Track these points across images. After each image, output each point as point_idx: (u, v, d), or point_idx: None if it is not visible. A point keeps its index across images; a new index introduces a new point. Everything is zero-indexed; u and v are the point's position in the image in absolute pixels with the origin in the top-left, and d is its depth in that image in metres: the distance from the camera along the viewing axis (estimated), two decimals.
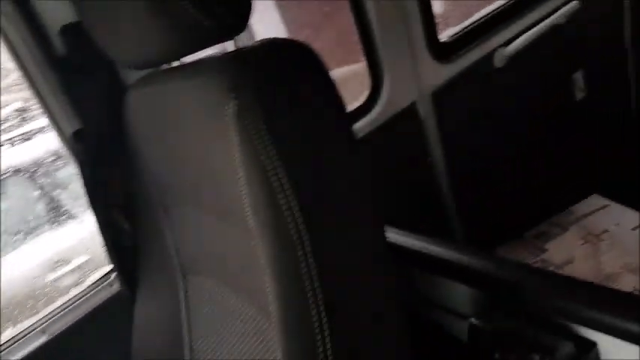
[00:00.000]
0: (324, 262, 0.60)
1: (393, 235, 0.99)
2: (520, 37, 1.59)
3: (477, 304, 0.86)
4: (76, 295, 1.10)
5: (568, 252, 1.57)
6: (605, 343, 0.70)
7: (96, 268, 1.14)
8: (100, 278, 1.12)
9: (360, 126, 1.40)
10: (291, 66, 0.61)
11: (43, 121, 1.01)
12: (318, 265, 0.60)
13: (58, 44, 0.96)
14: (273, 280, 0.62)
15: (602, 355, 0.71)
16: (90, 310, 1.09)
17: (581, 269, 1.49)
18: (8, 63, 0.97)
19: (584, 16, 1.69)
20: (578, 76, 1.81)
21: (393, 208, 1.28)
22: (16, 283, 1.79)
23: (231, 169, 0.62)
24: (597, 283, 0.77)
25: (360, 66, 1.45)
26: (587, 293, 0.75)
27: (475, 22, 1.58)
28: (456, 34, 1.55)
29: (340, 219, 0.64)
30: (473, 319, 0.85)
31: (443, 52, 1.50)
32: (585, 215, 1.69)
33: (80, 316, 1.08)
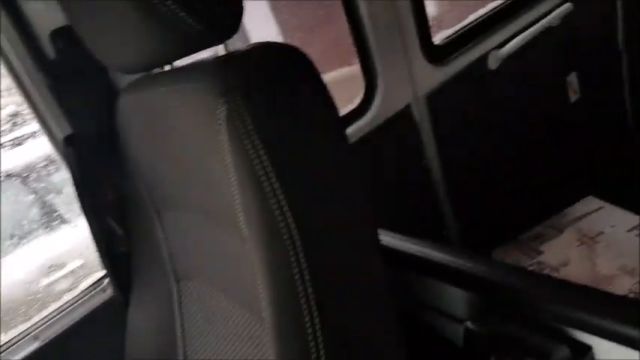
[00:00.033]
0: (317, 266, 0.60)
1: (389, 239, 0.98)
2: (514, 39, 1.59)
3: (473, 308, 0.86)
4: (68, 301, 1.09)
5: (564, 254, 1.57)
6: (601, 346, 0.70)
7: (90, 273, 1.13)
8: (93, 284, 1.11)
9: (355, 129, 1.39)
10: (282, 70, 0.61)
11: (35, 126, 1.01)
12: (311, 270, 0.59)
13: (49, 49, 0.96)
14: (266, 286, 0.62)
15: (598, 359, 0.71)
16: (83, 315, 1.08)
17: (577, 271, 1.49)
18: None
19: (578, 18, 1.69)
20: (573, 78, 1.81)
21: (389, 211, 1.28)
22: (8, 289, 1.78)
23: (224, 174, 0.62)
24: (592, 287, 0.77)
25: (355, 69, 1.45)
26: (583, 297, 0.74)
27: (469, 24, 1.58)
28: (449, 36, 1.56)
29: (333, 223, 0.63)
30: (468, 323, 0.85)
31: (437, 54, 1.50)
32: (580, 217, 1.69)
33: (73, 322, 1.07)
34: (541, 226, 1.72)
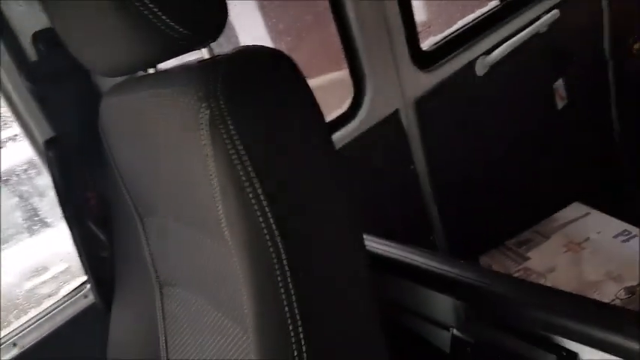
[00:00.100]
0: (302, 274, 0.59)
1: (375, 244, 0.98)
2: (501, 45, 1.60)
3: (459, 315, 0.85)
4: (49, 307, 1.07)
5: (551, 260, 1.57)
6: (587, 354, 0.70)
7: (72, 278, 1.11)
8: (75, 289, 1.10)
9: (343, 134, 1.39)
10: (266, 74, 0.60)
11: (16, 129, 0.99)
12: (295, 278, 0.59)
13: (30, 51, 0.94)
14: (250, 294, 0.61)
15: None
16: (64, 321, 1.07)
17: (563, 277, 1.50)
18: None
19: (565, 25, 1.71)
20: (560, 84, 1.82)
21: (376, 216, 1.28)
22: None
23: (206, 180, 0.61)
24: (579, 294, 0.77)
25: (343, 73, 1.45)
26: (569, 304, 0.74)
27: (457, 30, 1.59)
28: (438, 42, 1.56)
29: (318, 229, 0.62)
30: (455, 330, 0.85)
31: (425, 60, 1.50)
32: (567, 223, 1.70)
33: (53, 328, 1.06)
34: (528, 232, 1.72)
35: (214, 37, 0.64)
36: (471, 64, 1.58)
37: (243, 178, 0.56)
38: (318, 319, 0.61)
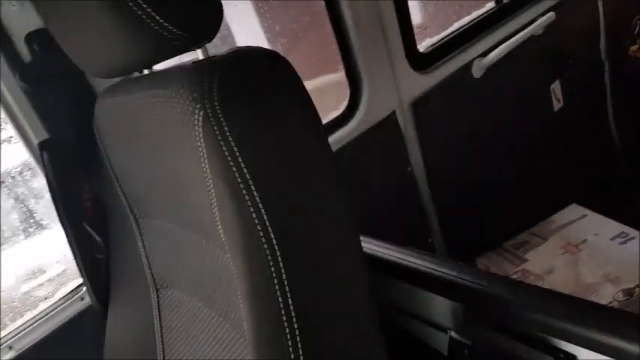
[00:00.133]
0: (298, 277, 0.59)
1: (373, 246, 0.98)
2: (498, 47, 1.60)
3: (457, 317, 0.85)
4: (45, 309, 1.07)
5: (548, 262, 1.57)
6: (585, 356, 0.70)
7: (70, 280, 1.10)
8: (71, 291, 1.09)
9: (340, 136, 1.39)
10: (261, 75, 0.59)
11: (10, 131, 0.99)
12: (292, 280, 0.58)
13: (24, 51, 0.94)
14: (246, 296, 0.61)
15: None
16: (60, 324, 1.06)
17: (561, 279, 1.50)
18: None
19: (561, 27, 1.71)
20: (556, 86, 1.83)
21: (373, 218, 1.27)
22: None
23: (201, 181, 0.60)
24: (577, 296, 0.76)
25: (339, 76, 1.45)
26: (567, 307, 0.74)
27: (453, 32, 1.59)
28: (434, 44, 1.56)
29: (315, 230, 0.62)
30: (452, 332, 0.85)
31: (422, 62, 1.50)
32: (565, 225, 1.70)
33: (50, 331, 1.05)
34: (525, 234, 1.72)
35: (209, 37, 0.63)
36: (468, 66, 1.58)
37: (238, 180, 0.56)
38: (315, 320, 0.61)
